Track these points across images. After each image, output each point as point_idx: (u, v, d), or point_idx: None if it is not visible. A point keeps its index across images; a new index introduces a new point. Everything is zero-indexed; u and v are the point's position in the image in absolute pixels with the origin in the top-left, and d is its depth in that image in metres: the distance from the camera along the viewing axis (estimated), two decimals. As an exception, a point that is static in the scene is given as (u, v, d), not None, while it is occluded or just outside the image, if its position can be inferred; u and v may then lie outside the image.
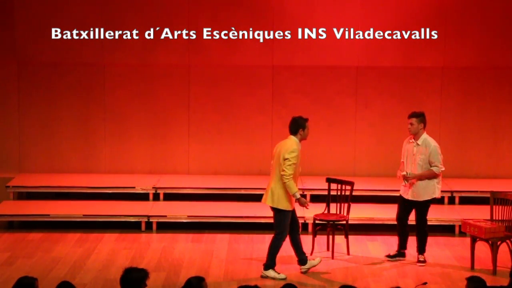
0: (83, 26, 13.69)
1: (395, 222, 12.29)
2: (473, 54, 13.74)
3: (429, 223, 12.25)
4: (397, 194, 12.95)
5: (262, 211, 12.45)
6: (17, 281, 6.97)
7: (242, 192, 13.12)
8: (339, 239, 11.40)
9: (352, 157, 13.96)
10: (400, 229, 11.06)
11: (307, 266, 10.51)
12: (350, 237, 11.30)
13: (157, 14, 13.69)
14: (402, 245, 11.11)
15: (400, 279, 10.25)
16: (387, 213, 12.48)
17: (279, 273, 10.36)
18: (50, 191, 13.22)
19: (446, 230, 12.36)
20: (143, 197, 13.15)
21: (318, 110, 13.87)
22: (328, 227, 11.31)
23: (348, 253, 11.24)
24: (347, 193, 11.25)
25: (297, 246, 10.49)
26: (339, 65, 13.80)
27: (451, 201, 13.07)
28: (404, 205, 11.00)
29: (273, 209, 10.35)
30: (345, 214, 11.27)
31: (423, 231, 10.95)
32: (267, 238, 11.91)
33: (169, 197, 13.15)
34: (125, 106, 13.88)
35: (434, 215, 12.45)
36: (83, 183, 13.27)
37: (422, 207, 10.92)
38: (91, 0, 13.67)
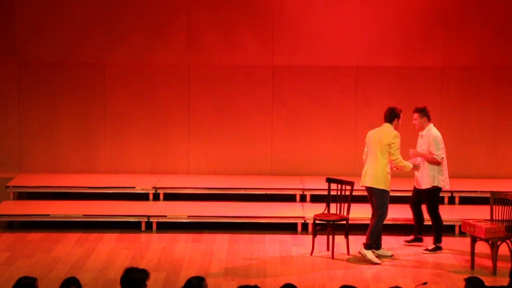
0: (83, 26, 13.69)
1: (395, 222, 12.35)
2: (473, 54, 13.74)
3: (429, 223, 12.30)
4: (397, 194, 13.01)
5: (262, 211, 12.47)
6: (17, 281, 6.97)
7: (242, 192, 13.12)
8: (339, 239, 11.41)
9: (352, 157, 13.96)
10: (413, 215, 11.75)
11: (379, 252, 11.10)
12: (350, 237, 11.30)
13: (157, 14, 13.69)
14: (417, 230, 11.75)
15: (400, 279, 10.26)
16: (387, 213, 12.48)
17: (376, 257, 10.90)
18: (50, 191, 13.22)
19: (446, 230, 12.34)
20: (143, 197, 13.15)
21: (318, 110, 13.88)
22: (328, 227, 11.31)
23: (348, 253, 11.24)
24: (347, 193, 11.25)
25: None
26: (339, 65, 13.80)
27: (451, 201, 13.07)
28: (415, 193, 11.66)
29: (375, 190, 10.92)
30: (345, 214, 11.27)
31: (434, 220, 11.46)
32: (267, 238, 11.93)
33: (169, 197, 13.16)
34: (125, 106, 13.88)
35: (434, 215, 12.47)
36: (83, 183, 13.27)
37: (426, 195, 11.45)
38: (91, 0, 13.67)
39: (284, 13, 13.70)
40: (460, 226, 11.68)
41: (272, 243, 11.78)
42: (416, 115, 11.44)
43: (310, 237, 11.50)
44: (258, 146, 13.92)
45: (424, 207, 11.62)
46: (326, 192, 11.53)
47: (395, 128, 11.05)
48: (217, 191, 13.18)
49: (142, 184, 13.21)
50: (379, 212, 10.98)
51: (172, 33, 13.73)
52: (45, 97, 13.84)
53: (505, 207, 10.69)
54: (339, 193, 11.36)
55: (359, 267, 10.81)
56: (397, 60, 13.77)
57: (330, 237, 11.25)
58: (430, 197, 11.43)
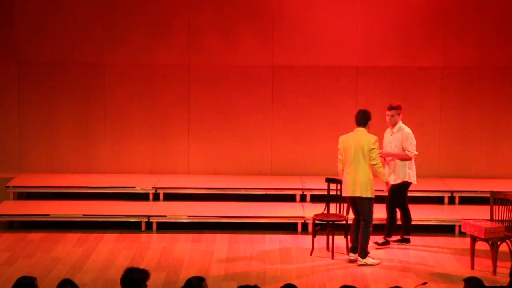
0: (83, 26, 13.70)
1: (396, 222, 12.34)
2: (473, 54, 13.74)
3: (429, 223, 12.32)
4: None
5: (262, 211, 12.46)
6: (17, 281, 6.97)
7: (242, 192, 13.12)
8: (339, 239, 11.40)
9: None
10: (387, 215, 11.74)
11: (353, 256, 10.98)
12: (349, 237, 11.29)
13: (157, 14, 13.70)
14: (403, 230, 11.75)
15: (400, 279, 10.26)
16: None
17: (374, 259, 10.86)
18: (50, 191, 13.22)
19: (446, 230, 12.37)
20: (143, 197, 13.15)
21: (318, 110, 13.88)
22: (328, 227, 11.31)
23: (348, 253, 11.24)
24: (347, 193, 11.25)
25: (357, 235, 10.91)
26: (339, 65, 13.80)
27: (451, 201, 13.07)
28: (389, 192, 11.61)
29: (365, 199, 10.76)
30: (345, 214, 11.27)
31: (403, 214, 11.60)
32: (267, 238, 11.92)
33: (169, 197, 13.15)
34: (125, 106, 13.88)
35: (434, 215, 12.47)
36: (83, 183, 13.27)
37: (396, 190, 11.50)
38: (91, 0, 13.67)
39: (284, 13, 13.70)
40: (460, 226, 11.68)
41: (272, 243, 11.78)
42: (392, 112, 11.51)
43: (310, 237, 11.50)
44: (258, 146, 13.92)
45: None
46: (326, 192, 11.53)
47: (367, 130, 10.90)
48: (217, 191, 13.18)
49: (142, 184, 13.21)
50: (367, 219, 10.83)
51: (172, 33, 13.73)
52: (45, 97, 13.84)
53: (505, 207, 10.68)
54: (339, 193, 11.35)
55: (359, 267, 10.81)
56: (397, 60, 13.77)
57: (330, 237, 11.25)
58: (401, 192, 11.54)
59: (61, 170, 13.91)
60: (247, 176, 13.83)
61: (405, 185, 11.56)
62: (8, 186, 13.17)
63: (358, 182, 10.73)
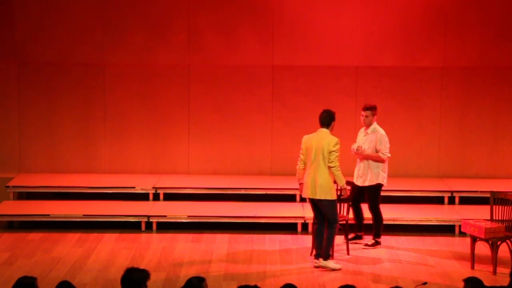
0: (83, 26, 13.70)
1: (395, 222, 12.35)
2: (473, 54, 13.74)
3: (429, 223, 12.32)
4: (397, 194, 13.03)
5: (262, 211, 12.46)
6: (17, 281, 6.97)
7: (242, 192, 13.12)
8: (339, 239, 11.40)
9: (352, 157, 13.93)
10: (353, 212, 11.66)
11: (326, 263, 10.77)
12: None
13: (157, 14, 13.70)
14: (357, 228, 11.74)
15: (400, 279, 10.26)
16: (387, 213, 12.47)
17: (336, 263, 10.70)
18: (50, 191, 13.22)
19: (446, 230, 12.37)
20: (143, 197, 13.14)
21: (318, 110, 13.81)
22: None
23: (348, 253, 11.24)
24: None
25: (321, 239, 10.71)
26: (339, 65, 13.80)
27: (451, 201, 13.07)
28: (356, 190, 11.53)
29: (326, 201, 10.58)
30: (345, 214, 11.27)
31: (375, 216, 11.53)
32: (267, 238, 11.92)
33: (169, 197, 13.15)
34: (125, 106, 13.88)
35: (434, 215, 12.48)
36: (83, 183, 13.27)
37: (369, 192, 11.47)
38: (91, 0, 13.67)
39: (284, 13, 13.70)
40: (460, 226, 11.68)
41: (272, 243, 11.78)
42: (367, 113, 11.46)
43: (310, 237, 11.49)
44: (258, 146, 13.92)
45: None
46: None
47: (331, 131, 10.74)
48: (217, 191, 13.18)
49: (142, 184, 13.20)
50: (331, 221, 10.64)
51: (172, 33, 13.73)
52: (45, 97, 13.84)
53: (505, 207, 10.68)
54: (339, 193, 11.34)
55: (359, 267, 10.81)
56: (397, 60, 13.77)
57: (330, 237, 11.25)
58: (374, 194, 11.49)
59: (61, 170, 13.90)
60: (247, 176, 13.83)
61: (379, 186, 11.51)
62: (8, 186, 13.17)
63: (318, 184, 10.54)
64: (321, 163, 10.56)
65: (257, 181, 13.39)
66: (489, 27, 13.68)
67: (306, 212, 12.37)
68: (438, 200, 13.17)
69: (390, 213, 12.50)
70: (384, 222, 12.11)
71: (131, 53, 13.76)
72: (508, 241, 10.61)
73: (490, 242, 10.53)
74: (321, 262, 10.63)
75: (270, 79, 13.87)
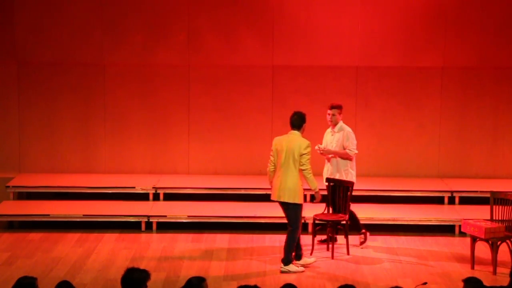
0: (83, 26, 13.70)
1: (395, 222, 12.34)
2: (473, 54, 13.74)
3: (429, 223, 12.32)
4: (397, 194, 13.04)
5: (262, 211, 12.46)
6: (17, 281, 6.97)
7: (242, 192, 13.12)
8: (339, 239, 11.40)
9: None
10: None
11: (301, 262, 10.64)
12: (350, 237, 11.30)
13: (157, 14, 13.70)
14: (357, 229, 11.61)
15: (400, 279, 10.26)
16: (387, 213, 12.49)
17: (298, 267, 10.56)
18: (50, 191, 13.22)
19: (446, 230, 12.37)
20: (143, 197, 13.15)
21: (318, 110, 13.86)
22: (328, 227, 11.31)
23: (348, 253, 11.24)
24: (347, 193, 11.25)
25: (298, 241, 10.67)
26: (339, 65, 13.80)
27: (451, 201, 13.07)
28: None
29: (292, 204, 10.49)
30: (345, 214, 11.27)
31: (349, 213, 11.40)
32: (267, 238, 11.92)
33: (169, 197, 13.15)
34: (125, 106, 13.88)
35: (434, 215, 12.47)
36: (83, 183, 13.27)
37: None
38: (91, 0, 13.67)
39: (284, 13, 13.70)
40: (460, 226, 11.68)
41: (272, 243, 11.78)
42: (333, 111, 11.44)
43: (310, 237, 11.50)
44: (258, 146, 13.92)
45: None
46: (326, 192, 11.53)
47: (302, 133, 10.62)
48: (217, 191, 13.18)
49: (142, 184, 13.21)
50: (293, 225, 10.51)
51: (172, 33, 13.73)
52: (45, 97, 13.84)
53: (505, 207, 10.68)
54: (339, 193, 11.35)
55: (359, 267, 10.81)
56: (397, 60, 13.77)
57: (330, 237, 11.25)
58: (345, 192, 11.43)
59: (61, 170, 13.91)
60: (247, 176, 13.83)
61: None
62: (8, 186, 13.17)
63: (286, 187, 10.44)
64: (291, 165, 10.45)
65: (257, 181, 13.38)
66: (489, 27, 13.68)
67: (306, 212, 12.36)
68: (438, 200, 13.17)
69: (390, 213, 12.51)
70: (384, 222, 12.14)
71: (131, 53, 13.76)
72: (508, 241, 10.61)
73: (490, 242, 10.53)
74: (282, 267, 10.49)
75: (270, 79, 13.87)
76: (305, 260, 10.75)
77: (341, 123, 11.49)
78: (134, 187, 13.14)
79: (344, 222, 11.22)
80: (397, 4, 13.65)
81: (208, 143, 13.94)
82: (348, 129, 11.47)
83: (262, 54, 13.77)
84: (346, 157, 11.37)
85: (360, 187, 12.62)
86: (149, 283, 7.08)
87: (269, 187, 13.13)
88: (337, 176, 11.38)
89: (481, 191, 12.89)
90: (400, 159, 13.88)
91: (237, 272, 10.53)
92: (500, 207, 10.73)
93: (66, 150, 13.92)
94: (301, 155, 10.42)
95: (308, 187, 10.64)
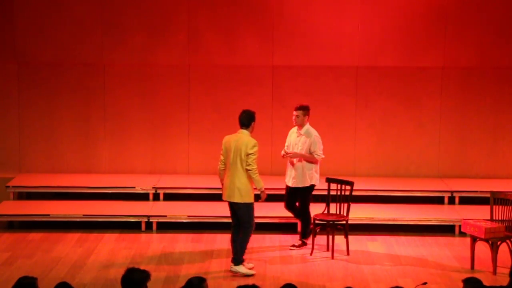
0: (83, 26, 13.70)
1: (395, 222, 12.34)
2: (473, 54, 13.74)
3: (429, 223, 12.32)
4: (397, 194, 13.03)
5: (262, 211, 12.46)
6: (17, 281, 6.97)
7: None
8: (339, 239, 11.41)
9: (352, 157, 13.97)
10: (294, 216, 11.67)
11: (237, 268, 10.51)
12: (350, 237, 11.30)
13: (157, 14, 13.70)
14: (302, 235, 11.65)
15: (400, 279, 10.26)
16: (387, 213, 12.49)
17: (248, 269, 10.43)
18: (50, 191, 13.22)
19: (446, 230, 12.37)
20: (143, 197, 13.15)
21: (318, 110, 13.87)
22: (328, 227, 11.31)
23: (348, 253, 11.25)
24: (347, 193, 11.25)
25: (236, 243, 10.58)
26: (339, 65, 13.80)
27: (451, 201, 13.07)
28: (289, 192, 11.54)
29: (242, 204, 10.42)
30: (345, 214, 11.27)
31: (305, 217, 11.47)
32: (267, 238, 11.93)
33: (169, 197, 13.16)
34: (125, 106, 13.88)
35: (434, 215, 12.48)
36: (83, 183, 13.27)
37: (303, 193, 11.40)
38: (91, 0, 13.67)
39: (284, 13, 13.70)
40: (460, 226, 11.68)
41: (272, 243, 11.78)
42: (298, 112, 11.35)
43: (310, 237, 11.49)
44: (258, 146, 13.89)
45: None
46: (326, 192, 11.53)
47: (251, 132, 10.54)
48: (217, 191, 13.14)
49: (142, 184, 13.21)
50: (246, 225, 10.46)
51: (172, 33, 13.74)
52: (45, 97, 13.84)
53: (505, 207, 10.69)
54: (339, 193, 11.36)
55: (359, 267, 10.81)
56: (397, 60, 13.77)
57: (330, 237, 11.25)
58: (307, 195, 11.45)
59: (61, 170, 13.91)
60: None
61: (312, 188, 11.46)
62: (8, 186, 13.17)
63: (235, 187, 10.38)
64: (239, 165, 10.40)
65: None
66: (489, 27, 13.68)
67: (306, 212, 12.38)
68: (438, 200, 13.17)
69: (390, 213, 12.51)
70: (384, 222, 12.14)
71: (131, 53, 13.76)
72: (508, 241, 10.61)
73: (490, 242, 10.53)
74: (232, 267, 10.43)
75: (270, 79, 13.87)
76: (241, 268, 10.51)
77: (307, 126, 11.42)
78: (134, 187, 13.14)
79: (343, 222, 11.22)
80: (397, 4, 13.65)
81: (208, 143, 13.93)
82: (315, 133, 11.39)
83: (262, 54, 13.77)
84: (312, 161, 11.33)
85: (360, 187, 12.63)
86: (149, 283, 7.08)
87: (270, 187, 13.16)
88: (301, 179, 11.33)
89: (481, 191, 12.90)
90: (400, 159, 13.88)
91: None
92: (500, 207, 10.73)
93: (66, 150, 13.93)
94: (247, 154, 10.35)
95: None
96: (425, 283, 8.32)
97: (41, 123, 13.89)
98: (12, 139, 13.91)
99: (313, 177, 11.38)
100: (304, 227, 11.56)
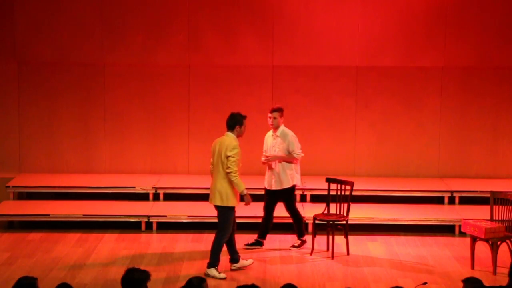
0: (83, 26, 13.70)
1: (395, 222, 12.34)
2: (473, 54, 13.74)
3: (429, 223, 12.32)
4: (397, 194, 13.02)
5: (261, 211, 12.45)
6: (18, 281, 6.97)
7: (242, 192, 13.10)
8: (339, 239, 11.41)
9: (352, 157, 13.97)
10: (264, 217, 11.60)
11: (238, 264, 10.55)
12: (350, 237, 11.30)
13: (157, 14, 13.70)
14: (262, 235, 11.59)
15: (400, 279, 10.26)
16: (387, 213, 12.49)
17: (220, 273, 10.37)
18: (50, 191, 13.22)
19: (446, 230, 12.37)
20: (143, 197, 13.15)
21: (318, 110, 13.88)
22: (328, 227, 11.31)
23: (348, 253, 11.25)
24: (347, 193, 11.25)
25: (231, 244, 10.56)
26: (339, 65, 13.80)
27: (451, 201, 13.07)
28: (269, 196, 11.51)
29: (220, 207, 10.41)
30: (345, 214, 11.27)
31: (296, 217, 11.42)
32: (267, 238, 11.92)
33: (169, 197, 13.16)
34: (125, 106, 13.88)
35: (434, 215, 12.47)
36: (83, 183, 13.27)
37: (285, 195, 11.38)
38: (91, 0, 13.67)
39: (284, 13, 13.70)
40: (460, 226, 11.68)
41: (272, 243, 11.78)
42: (274, 114, 11.28)
43: (310, 237, 11.50)
44: (258, 146, 13.88)
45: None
46: (326, 192, 11.53)
47: (238, 136, 10.42)
48: (217, 191, 13.15)
49: (142, 184, 13.21)
50: (221, 229, 10.42)
51: (172, 33, 13.74)
52: (45, 97, 13.84)
53: (505, 207, 10.69)
54: (339, 193, 11.35)
55: (359, 267, 10.81)
56: (397, 60, 13.77)
57: (330, 237, 11.25)
58: (290, 196, 11.42)
59: (61, 170, 13.91)
60: (247, 176, 13.78)
61: (294, 188, 11.45)
62: (8, 186, 13.17)
63: (216, 190, 10.38)
64: (220, 168, 10.36)
65: (256, 181, 13.36)
66: (489, 27, 13.68)
67: (306, 212, 12.37)
68: (438, 200, 13.17)
69: (390, 213, 12.51)
70: (384, 222, 12.13)
71: (131, 53, 13.76)
72: (508, 241, 10.61)
73: (490, 242, 10.53)
74: (206, 270, 10.35)
75: (270, 79, 13.87)
76: (242, 262, 10.60)
77: (282, 127, 11.37)
78: (134, 187, 13.14)
79: (343, 222, 11.22)
80: (397, 4, 13.65)
81: (208, 143, 13.84)
82: (291, 133, 11.36)
83: (262, 54, 13.77)
84: (291, 161, 11.31)
85: (360, 187, 12.63)
86: (149, 283, 7.08)
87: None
88: (282, 180, 11.30)
89: (481, 191, 12.90)
90: (400, 159, 13.88)
91: (237, 272, 10.52)
92: (500, 207, 10.73)
93: (66, 150, 13.93)
94: (227, 157, 10.29)
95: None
96: (425, 283, 8.33)
97: (41, 123, 13.89)
98: (12, 139, 13.92)
99: (294, 177, 11.37)
100: (298, 226, 11.55)
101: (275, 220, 12.35)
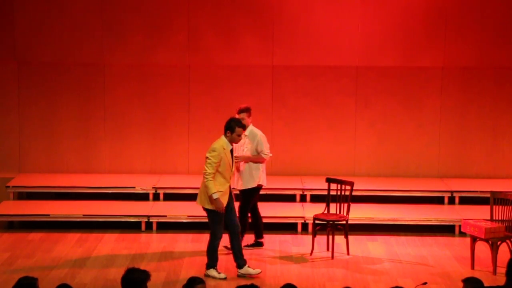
0: (83, 26, 13.70)
1: (395, 222, 12.34)
2: (473, 54, 13.74)
3: (429, 223, 12.32)
4: (397, 194, 13.02)
5: (262, 211, 12.45)
6: (18, 281, 6.97)
7: (242, 192, 13.10)
8: (339, 239, 11.41)
9: (352, 157, 13.96)
10: (252, 219, 11.49)
11: (242, 271, 10.42)
12: (350, 237, 11.30)
13: (157, 14, 13.70)
14: (258, 235, 11.50)
15: (400, 279, 10.26)
16: (387, 213, 12.49)
17: (219, 273, 10.34)
18: (50, 191, 13.22)
19: (446, 230, 12.37)
20: (143, 197, 13.15)
21: (318, 110, 13.88)
22: (328, 227, 11.31)
23: (348, 253, 11.25)
24: (347, 193, 11.25)
25: (233, 248, 10.45)
26: (339, 65, 13.80)
27: (451, 201, 13.07)
28: (243, 196, 11.34)
29: (204, 209, 10.39)
30: (345, 214, 11.27)
31: (243, 219, 11.16)
32: (267, 238, 11.92)
33: (169, 197, 13.15)
34: (125, 106, 13.88)
35: (434, 215, 12.47)
36: (83, 183, 13.27)
37: (247, 194, 11.25)
38: (91, 0, 13.67)
39: (284, 13, 13.70)
40: (460, 226, 11.68)
41: (272, 243, 11.78)
42: (242, 115, 11.18)
43: (310, 237, 11.50)
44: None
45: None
46: (326, 192, 11.53)
47: (230, 141, 10.29)
48: (217, 191, 13.15)
49: (142, 184, 13.21)
50: (212, 232, 10.35)
51: (172, 33, 13.74)
52: (45, 97, 13.84)
53: (505, 207, 10.69)
54: (339, 193, 11.35)
55: (359, 267, 10.81)
56: (397, 60, 13.77)
57: (330, 237, 11.25)
58: (253, 195, 11.32)
59: (61, 170, 13.91)
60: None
61: (259, 188, 11.39)
62: (8, 186, 13.17)
63: (202, 192, 10.34)
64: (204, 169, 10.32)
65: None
66: (489, 27, 13.68)
67: (306, 212, 12.38)
68: (438, 200, 13.17)
69: (390, 213, 12.51)
70: (384, 222, 12.12)
71: (131, 53, 13.76)
72: (508, 241, 10.61)
73: (490, 242, 10.53)
74: (206, 271, 10.34)
75: (270, 79, 13.87)
76: (247, 269, 10.41)
77: (251, 127, 11.32)
78: (134, 187, 13.14)
79: (343, 222, 11.22)
80: (397, 4, 13.65)
81: (208, 143, 13.82)
82: (260, 133, 11.31)
83: (262, 54, 13.77)
84: (259, 161, 11.26)
85: (360, 187, 12.63)
86: (149, 283, 7.08)
87: (270, 187, 13.19)
88: (249, 180, 11.21)
89: (481, 191, 12.90)
90: (400, 159, 13.88)
91: (237, 272, 10.52)
92: (500, 207, 10.73)
93: (66, 150, 13.93)
94: (206, 157, 10.26)
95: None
96: (425, 283, 8.33)
97: (41, 123, 13.89)
98: (12, 139, 13.91)
99: (261, 177, 11.32)
100: (256, 226, 11.43)
101: (275, 220, 12.36)
